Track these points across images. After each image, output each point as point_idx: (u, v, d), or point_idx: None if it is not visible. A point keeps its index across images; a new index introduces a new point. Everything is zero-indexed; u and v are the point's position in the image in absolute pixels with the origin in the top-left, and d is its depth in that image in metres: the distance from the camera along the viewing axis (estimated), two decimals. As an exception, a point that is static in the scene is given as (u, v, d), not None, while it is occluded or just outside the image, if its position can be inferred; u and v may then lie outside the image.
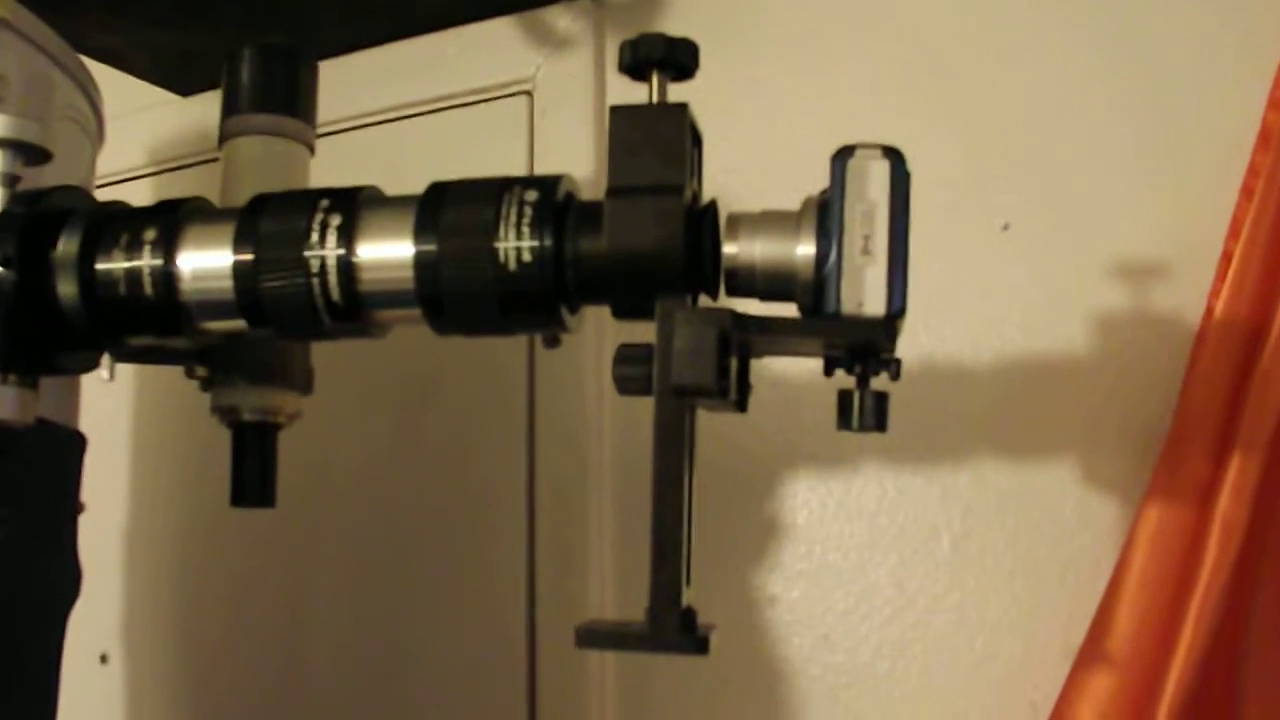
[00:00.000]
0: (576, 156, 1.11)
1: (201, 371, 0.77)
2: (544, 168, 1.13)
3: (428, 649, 1.17)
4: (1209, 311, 0.86)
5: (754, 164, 1.03)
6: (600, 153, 1.10)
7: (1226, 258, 0.87)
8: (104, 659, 1.34)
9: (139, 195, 1.32)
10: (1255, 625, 0.82)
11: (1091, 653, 0.86)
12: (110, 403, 1.29)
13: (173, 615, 1.33)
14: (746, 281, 0.54)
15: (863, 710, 0.98)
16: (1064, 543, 0.93)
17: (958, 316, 0.97)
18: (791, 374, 0.97)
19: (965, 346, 0.96)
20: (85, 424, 0.83)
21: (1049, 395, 0.94)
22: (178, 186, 1.33)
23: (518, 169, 1.13)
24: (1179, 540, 0.84)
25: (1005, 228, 0.96)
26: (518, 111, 1.16)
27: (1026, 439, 0.95)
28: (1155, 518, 0.85)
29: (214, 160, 1.28)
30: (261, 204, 0.59)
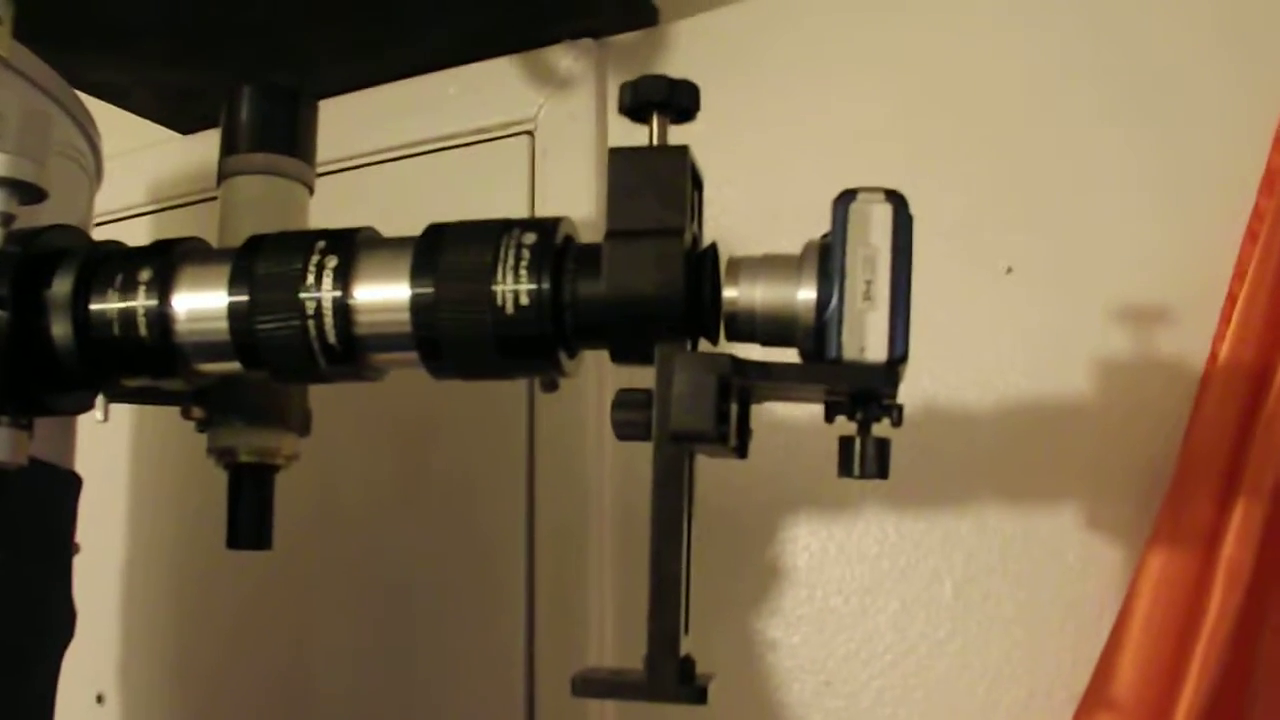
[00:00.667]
0: (578, 197, 1.11)
1: (198, 413, 0.76)
2: (545, 208, 1.13)
3: (427, 691, 1.16)
4: (1213, 355, 0.86)
5: (753, 204, 1.03)
6: (602, 193, 1.10)
7: (1231, 301, 0.86)
8: (100, 699, 1.32)
9: (138, 233, 1.33)
10: (1260, 671, 0.81)
11: (1095, 700, 0.85)
12: (107, 442, 1.29)
13: (170, 655, 1.32)
14: (747, 326, 0.53)
15: (864, 757, 0.97)
16: (1067, 588, 0.92)
17: (961, 359, 0.96)
18: (791, 417, 0.96)
19: (968, 390, 0.96)
20: (82, 464, 0.82)
21: (1052, 439, 0.94)
22: (178, 224, 1.33)
23: (519, 209, 1.13)
24: (1183, 586, 0.83)
25: (1009, 271, 0.96)
26: (519, 151, 1.16)
27: (1029, 483, 0.94)
28: (1159, 563, 0.84)
29: (214, 199, 1.29)
30: (257, 245, 0.59)
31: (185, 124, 1.32)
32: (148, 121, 1.30)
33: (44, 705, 0.78)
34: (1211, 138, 0.91)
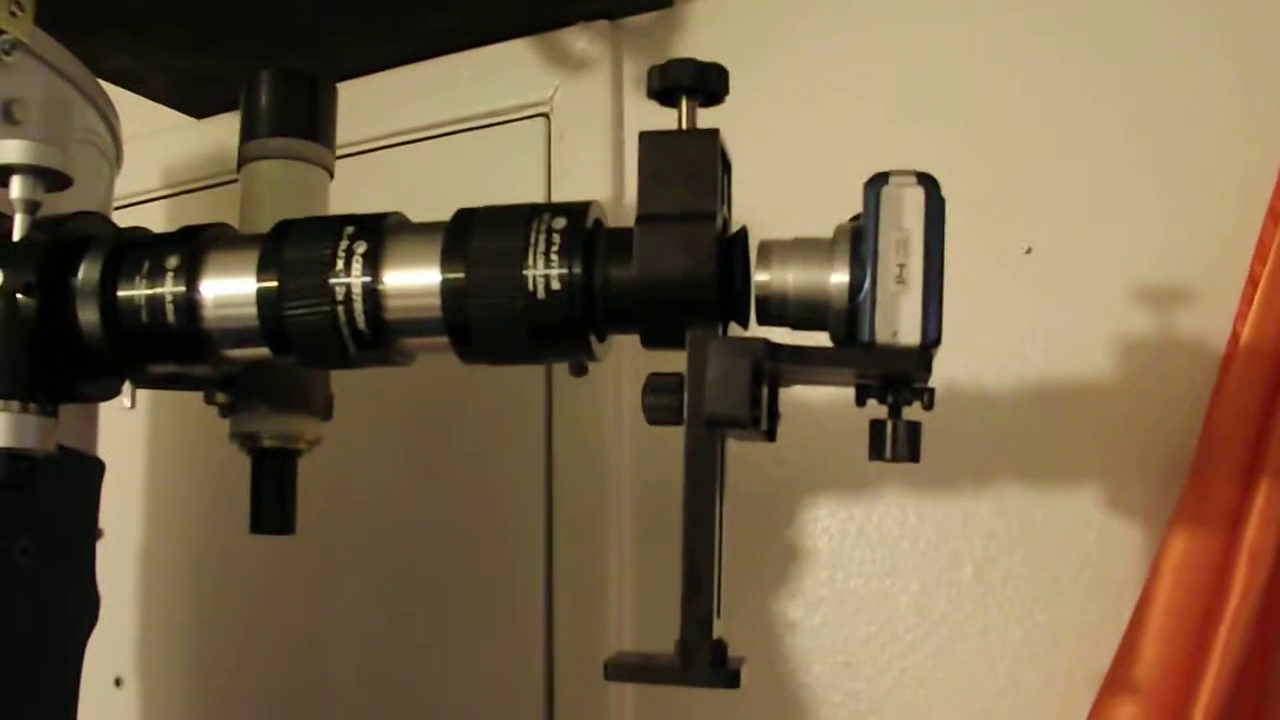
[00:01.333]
0: (594, 179, 1.10)
1: (221, 398, 0.76)
2: (561, 190, 1.12)
3: (445, 675, 1.16)
4: (1235, 336, 0.86)
5: (773, 185, 1.03)
6: (618, 175, 1.10)
7: (1253, 281, 0.86)
8: (119, 682, 1.33)
9: (154, 217, 1.33)
10: (1283, 654, 0.81)
11: (1117, 681, 0.85)
12: (126, 426, 1.29)
13: (188, 639, 1.32)
14: (778, 310, 0.53)
15: (885, 738, 0.97)
16: (1087, 569, 0.92)
17: (980, 341, 0.96)
18: (812, 399, 0.96)
19: (988, 371, 0.96)
20: (100, 449, 0.82)
21: (1073, 420, 0.94)
22: (193, 208, 1.33)
23: (535, 191, 1.13)
24: (1206, 568, 0.83)
25: (1028, 251, 0.96)
26: (535, 133, 1.15)
27: (1049, 465, 0.94)
28: (1181, 545, 0.84)
29: (229, 183, 1.28)
30: (285, 231, 0.59)
31: (200, 108, 1.32)
32: (162, 106, 1.30)
33: (69, 690, 0.78)
34: (1231, 117, 0.91)
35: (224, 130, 1.30)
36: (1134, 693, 0.84)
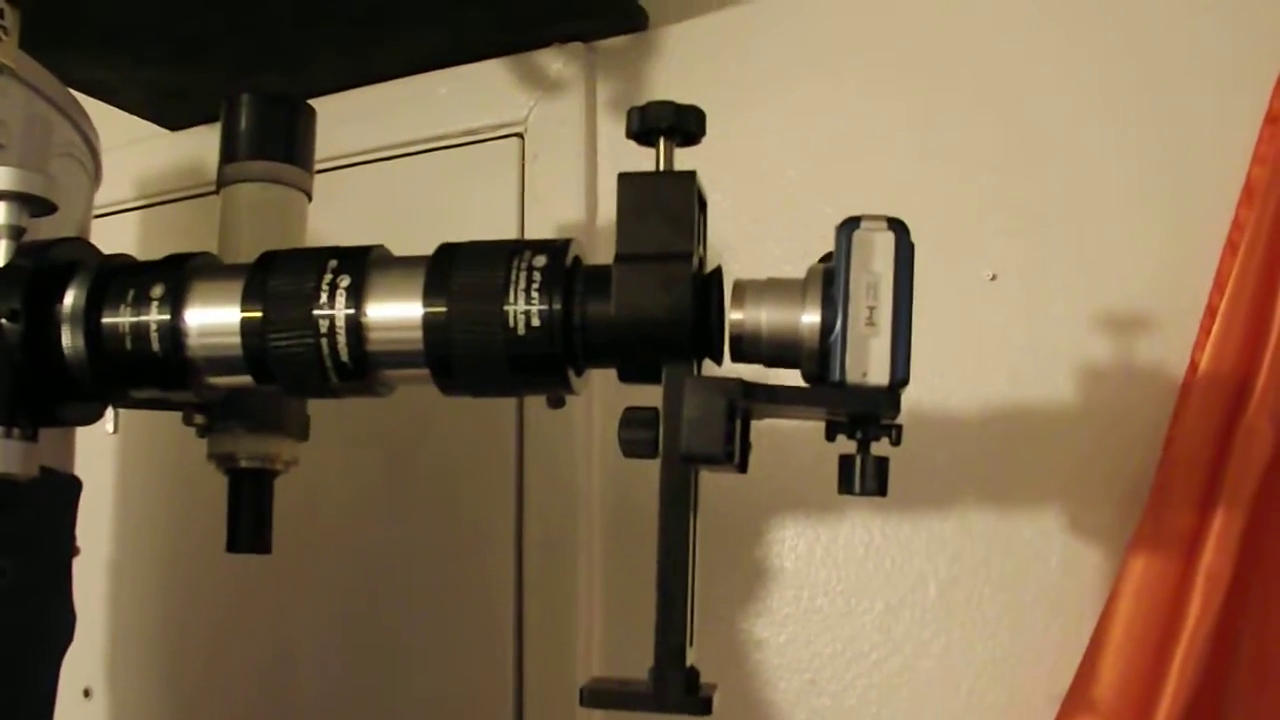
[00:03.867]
0: (567, 199, 1.11)
1: (200, 419, 0.77)
2: (535, 210, 1.13)
3: (414, 692, 1.17)
4: (1193, 364, 0.88)
5: (739, 209, 1.04)
6: (590, 195, 1.11)
7: (1211, 312, 0.88)
8: (87, 693, 1.33)
9: (127, 229, 1.34)
10: (1239, 676, 0.83)
11: (1077, 701, 0.87)
12: (96, 442, 1.29)
13: (157, 651, 1.32)
14: (752, 348, 0.54)
15: (849, 755, 0.99)
16: (1049, 591, 0.94)
17: (945, 366, 0.98)
18: (780, 421, 0.98)
19: (952, 395, 0.97)
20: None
21: (1035, 445, 0.95)
22: (166, 220, 1.33)
23: (508, 211, 1.14)
24: (1163, 591, 0.85)
25: (993, 278, 0.97)
26: (509, 153, 1.16)
27: (1013, 488, 0.96)
28: (1140, 568, 0.86)
29: (203, 195, 1.29)
30: (270, 262, 0.60)
31: (174, 120, 1.32)
32: (135, 117, 1.30)
33: (46, 707, 0.79)
34: (1193, 150, 0.93)
35: (198, 142, 1.31)
36: (1093, 711, 0.86)
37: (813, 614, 1.01)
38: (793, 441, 1.00)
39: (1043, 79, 0.99)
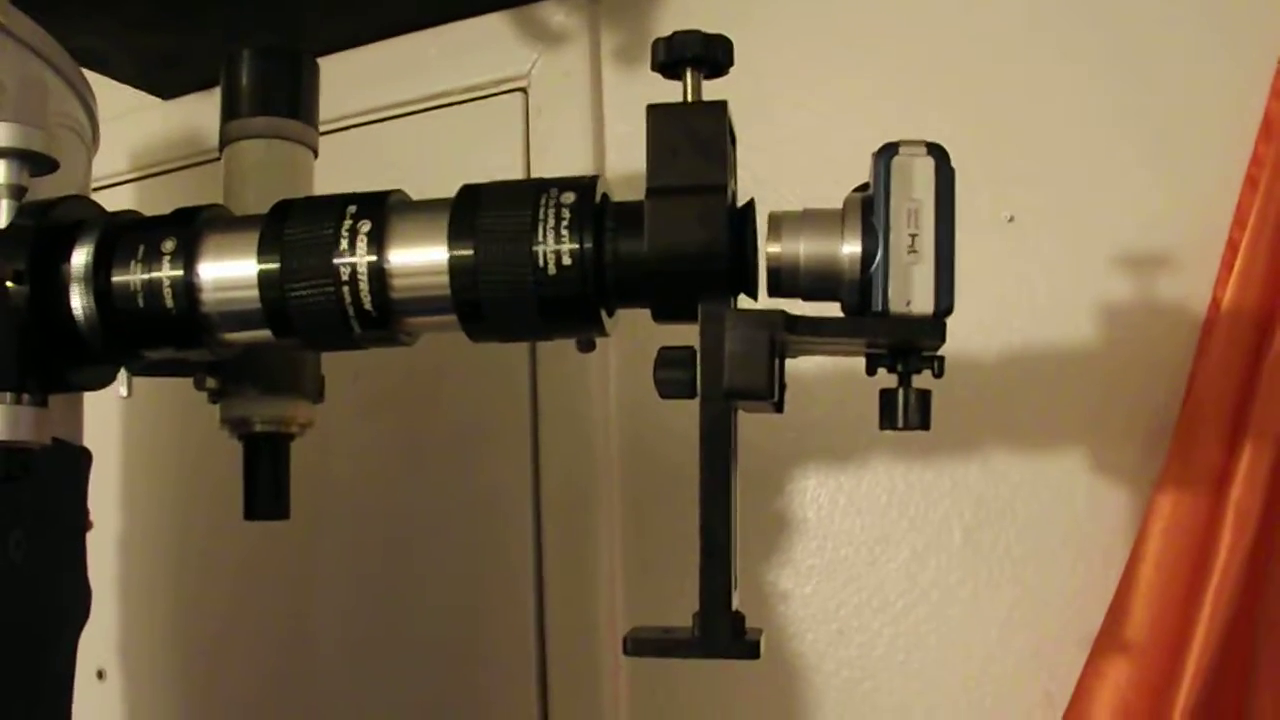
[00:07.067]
0: (573, 154, 1.10)
1: (212, 383, 0.75)
2: (540, 165, 1.12)
3: (433, 656, 1.16)
4: (1215, 301, 0.87)
5: (757, 159, 1.02)
6: (598, 149, 1.09)
7: (1232, 247, 0.87)
8: (101, 675, 1.32)
9: (122, 201, 1.29)
10: (1271, 610, 0.82)
11: (1109, 641, 0.86)
12: (104, 415, 1.27)
13: (170, 630, 1.31)
14: (790, 281, 0.53)
15: (878, 704, 0.98)
16: (1075, 532, 0.93)
17: (965, 309, 0.94)
18: (799, 369, 0.96)
19: (973, 338, 0.96)
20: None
21: (1057, 386, 0.94)
22: (162, 191, 1.31)
23: (514, 167, 1.13)
24: (1193, 528, 0.85)
25: (1011, 220, 0.96)
26: (513, 109, 1.14)
27: (1036, 430, 0.95)
28: (1168, 506, 0.86)
29: (199, 164, 1.27)
30: (285, 211, 0.58)
31: (167, 89, 1.30)
32: (128, 87, 1.28)
33: (63, 684, 0.77)
34: (1211, 86, 0.92)
35: (193, 110, 1.29)
36: (1126, 651, 0.85)
37: (837, 564, 1.00)
38: (812, 390, 0.98)
39: (1063, 20, 0.97)
